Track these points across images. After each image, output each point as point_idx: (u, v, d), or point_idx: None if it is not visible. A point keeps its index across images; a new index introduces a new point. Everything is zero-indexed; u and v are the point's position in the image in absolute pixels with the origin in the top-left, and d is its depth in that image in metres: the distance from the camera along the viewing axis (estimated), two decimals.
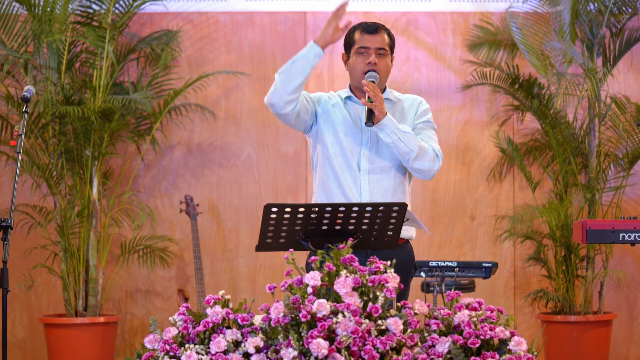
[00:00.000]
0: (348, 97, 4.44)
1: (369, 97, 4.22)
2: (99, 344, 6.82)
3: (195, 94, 7.34)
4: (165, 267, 7.27)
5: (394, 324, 3.52)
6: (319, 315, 3.48)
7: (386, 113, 4.25)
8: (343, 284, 3.53)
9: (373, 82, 4.31)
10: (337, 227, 3.92)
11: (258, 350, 3.57)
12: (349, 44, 4.44)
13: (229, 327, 3.67)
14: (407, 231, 4.37)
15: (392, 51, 4.41)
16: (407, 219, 4.17)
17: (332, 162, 4.38)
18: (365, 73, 4.35)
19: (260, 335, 3.60)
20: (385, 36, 4.38)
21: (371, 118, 4.23)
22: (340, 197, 4.32)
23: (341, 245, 3.69)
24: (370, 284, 3.56)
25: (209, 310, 3.69)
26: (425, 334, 3.66)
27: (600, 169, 6.97)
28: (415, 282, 6.71)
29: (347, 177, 4.35)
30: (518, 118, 7.31)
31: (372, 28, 4.37)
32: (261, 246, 3.99)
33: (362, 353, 3.45)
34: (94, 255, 6.93)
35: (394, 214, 3.93)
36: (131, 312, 7.41)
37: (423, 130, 4.44)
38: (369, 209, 3.90)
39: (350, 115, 4.41)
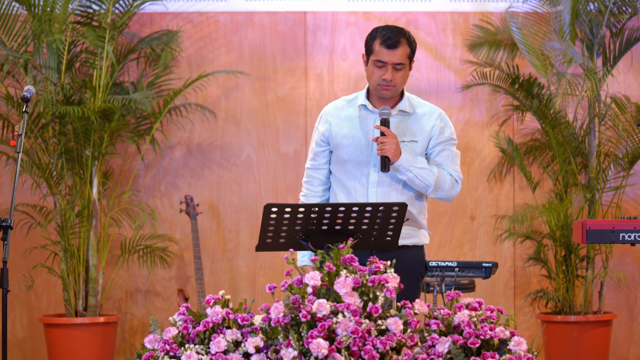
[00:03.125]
0: (363, 105, 4.40)
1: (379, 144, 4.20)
2: (99, 344, 6.82)
3: (195, 93, 7.34)
4: (165, 267, 7.27)
5: (394, 324, 3.52)
6: (319, 315, 3.48)
7: (400, 153, 4.22)
8: (343, 284, 3.53)
9: (385, 118, 4.26)
10: (337, 227, 3.91)
11: (258, 350, 3.57)
12: (368, 50, 4.32)
13: (229, 327, 3.67)
14: (420, 238, 4.36)
15: (412, 58, 4.32)
16: (407, 219, 4.17)
17: (344, 172, 4.37)
18: (380, 85, 4.27)
19: (260, 335, 3.60)
20: (406, 48, 4.26)
21: (386, 164, 4.22)
22: None
23: (341, 245, 3.68)
24: (370, 284, 3.56)
25: (209, 310, 3.69)
26: (425, 334, 3.66)
27: (600, 169, 6.97)
28: None
29: (357, 189, 4.34)
30: (518, 118, 7.31)
31: (391, 42, 4.24)
32: (261, 246, 3.99)
33: (362, 353, 3.45)
34: (94, 255, 6.93)
35: (394, 214, 3.92)
36: (131, 312, 7.41)
37: (443, 152, 4.37)
38: (369, 209, 3.89)
39: (362, 127, 4.36)
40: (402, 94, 4.37)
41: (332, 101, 4.50)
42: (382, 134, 4.23)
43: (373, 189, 4.31)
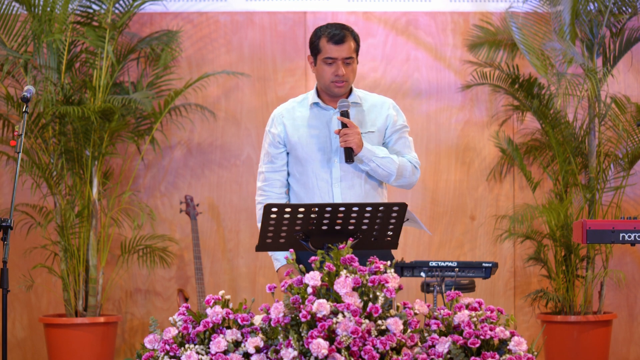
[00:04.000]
0: (316, 104, 4.43)
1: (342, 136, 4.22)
2: (99, 344, 6.82)
3: (195, 94, 7.34)
4: (165, 267, 7.27)
5: (394, 324, 3.52)
6: (319, 315, 3.48)
7: (362, 144, 4.26)
8: (343, 284, 3.53)
9: (345, 110, 4.29)
10: (337, 227, 3.92)
11: (258, 350, 3.57)
12: (315, 50, 4.38)
13: (229, 327, 3.67)
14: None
15: (358, 52, 4.38)
16: (407, 219, 4.17)
17: (305, 171, 4.38)
18: (333, 82, 4.32)
19: (260, 335, 3.60)
20: (352, 43, 4.34)
21: (350, 155, 4.24)
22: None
23: (341, 245, 3.69)
24: (370, 284, 3.56)
25: (209, 310, 3.69)
26: (425, 334, 3.66)
27: (600, 169, 6.97)
28: (416, 282, 6.73)
29: (320, 185, 4.35)
30: (518, 118, 7.31)
31: (338, 38, 4.31)
32: (261, 246, 4.00)
33: (362, 353, 3.46)
34: (94, 255, 6.93)
35: (394, 214, 3.93)
36: (131, 312, 7.41)
37: (400, 140, 4.45)
38: (369, 209, 3.90)
39: (318, 125, 4.40)
40: (350, 89, 4.43)
41: (280, 104, 4.53)
42: (344, 125, 4.26)
43: (337, 184, 4.34)
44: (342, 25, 4.37)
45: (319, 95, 4.43)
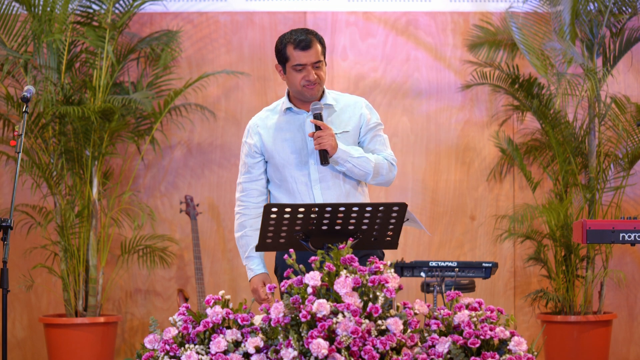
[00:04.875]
0: (289, 109, 4.44)
1: (315, 138, 4.23)
2: (99, 344, 6.82)
3: (195, 94, 7.34)
4: (165, 267, 7.27)
5: (394, 324, 3.52)
6: (319, 315, 3.48)
7: (337, 145, 4.26)
8: (343, 284, 3.53)
9: (318, 112, 4.29)
10: (337, 227, 3.92)
11: (258, 350, 3.58)
12: (282, 58, 4.39)
13: (229, 327, 3.67)
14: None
15: (325, 55, 4.38)
16: (407, 219, 4.17)
17: (283, 177, 4.39)
18: (305, 86, 4.32)
19: (260, 335, 3.60)
20: (318, 46, 4.34)
21: (325, 157, 4.25)
22: None
23: (341, 245, 3.69)
24: (370, 284, 3.56)
25: (209, 310, 3.69)
26: (425, 334, 3.66)
27: (600, 169, 6.97)
28: (416, 282, 6.73)
29: (300, 189, 4.36)
30: (518, 118, 7.31)
31: (304, 44, 4.31)
32: (261, 246, 4.00)
33: (362, 353, 3.46)
34: (94, 255, 6.93)
35: (394, 214, 3.93)
36: (131, 312, 7.41)
37: (375, 138, 4.45)
38: (369, 209, 3.90)
39: (292, 129, 4.40)
40: (323, 91, 4.43)
41: (255, 114, 4.54)
42: (318, 128, 4.26)
43: (317, 186, 4.35)
44: (306, 30, 4.38)
45: (290, 101, 4.43)
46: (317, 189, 4.35)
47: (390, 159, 4.42)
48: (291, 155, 4.38)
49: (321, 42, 4.37)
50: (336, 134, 4.33)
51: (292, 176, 4.38)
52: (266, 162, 4.46)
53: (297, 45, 4.32)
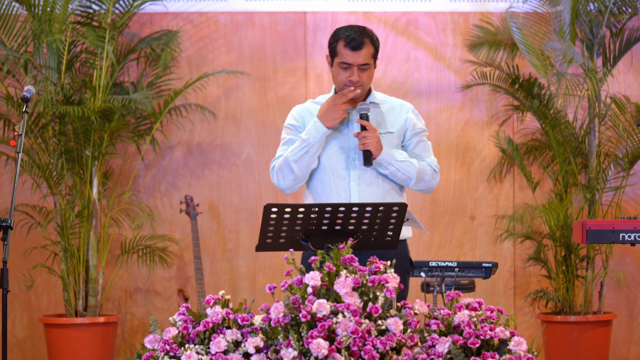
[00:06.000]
0: None
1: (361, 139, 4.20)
2: (99, 344, 6.82)
3: (195, 94, 7.34)
4: (165, 267, 7.28)
5: (394, 324, 3.52)
6: (319, 315, 3.48)
7: (382, 147, 4.23)
8: (343, 284, 3.53)
9: (365, 113, 4.26)
10: (337, 227, 3.92)
11: (258, 350, 3.58)
12: (333, 52, 4.32)
13: (229, 327, 3.67)
14: (405, 231, 4.36)
15: (376, 57, 4.33)
16: (407, 219, 4.17)
17: (322, 168, 4.36)
18: (347, 87, 4.27)
19: (260, 335, 3.60)
20: (370, 48, 4.27)
21: (369, 158, 4.22)
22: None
23: (341, 245, 3.69)
24: (370, 284, 3.56)
25: (209, 310, 3.69)
26: (425, 334, 3.66)
27: (600, 169, 6.97)
28: (415, 282, 6.72)
29: (337, 182, 4.33)
30: (518, 118, 7.32)
31: (355, 44, 4.24)
32: (261, 246, 4.00)
33: (362, 353, 3.46)
34: (94, 255, 6.93)
35: (394, 214, 3.93)
36: (131, 312, 7.41)
37: (420, 144, 4.41)
38: (369, 209, 3.90)
39: (336, 126, 4.36)
40: (369, 91, 4.39)
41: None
42: (363, 128, 4.24)
43: (354, 182, 4.31)
44: (362, 30, 4.28)
45: None
46: (355, 185, 4.30)
47: (433, 165, 4.37)
48: (333, 147, 4.34)
49: (375, 44, 4.28)
50: (381, 133, 4.30)
51: (331, 169, 4.33)
52: None
53: (347, 44, 4.25)
